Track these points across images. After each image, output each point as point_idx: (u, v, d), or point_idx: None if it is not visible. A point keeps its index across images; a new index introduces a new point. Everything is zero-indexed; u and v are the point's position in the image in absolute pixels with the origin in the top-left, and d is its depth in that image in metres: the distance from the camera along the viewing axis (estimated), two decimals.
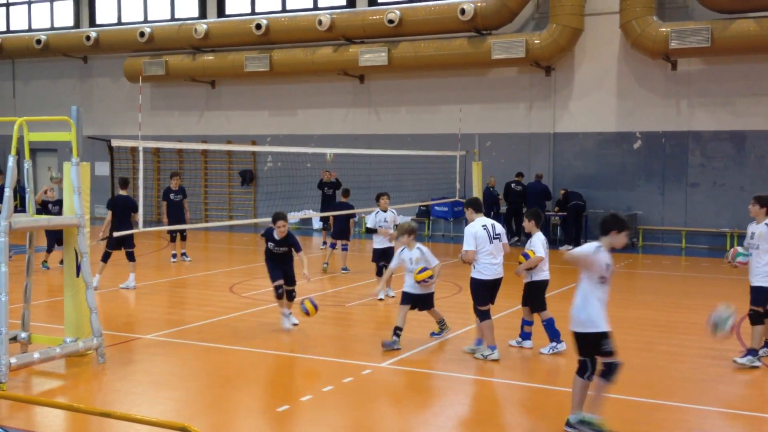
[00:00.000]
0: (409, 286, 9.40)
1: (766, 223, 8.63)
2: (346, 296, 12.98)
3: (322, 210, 18.79)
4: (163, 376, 8.42)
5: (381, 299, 12.54)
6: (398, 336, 9.26)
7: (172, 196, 16.64)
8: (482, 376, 8.33)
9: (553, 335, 9.18)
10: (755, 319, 8.65)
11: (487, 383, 8.20)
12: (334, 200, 18.70)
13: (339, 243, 15.82)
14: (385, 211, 13.00)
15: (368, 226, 13.20)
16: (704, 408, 7.48)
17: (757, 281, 8.63)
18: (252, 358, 9.02)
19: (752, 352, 8.61)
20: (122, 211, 13.36)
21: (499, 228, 9.06)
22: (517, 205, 20.30)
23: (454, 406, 7.57)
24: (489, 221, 9.06)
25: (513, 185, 20.54)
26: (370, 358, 8.94)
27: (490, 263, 8.85)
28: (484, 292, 8.93)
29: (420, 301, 9.49)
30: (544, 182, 20.49)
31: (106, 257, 13.57)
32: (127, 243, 13.63)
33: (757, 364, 8.53)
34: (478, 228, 8.88)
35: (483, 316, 8.89)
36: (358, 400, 7.59)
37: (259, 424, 6.94)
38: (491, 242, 8.86)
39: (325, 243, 20.15)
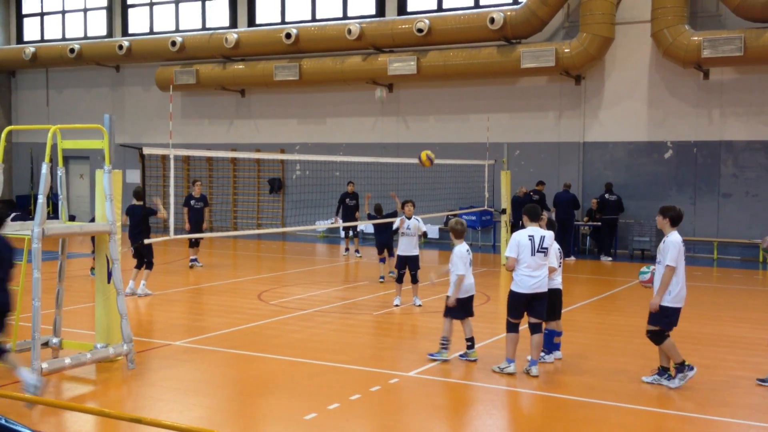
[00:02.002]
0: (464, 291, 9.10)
1: (668, 237, 8.08)
2: (373, 305, 12.98)
3: (345, 220, 18.94)
4: (193, 383, 8.46)
5: (396, 305, 12.64)
6: (446, 348, 9.11)
7: (193, 202, 16.77)
8: (511, 387, 8.27)
9: (546, 345, 9.07)
10: (656, 338, 8.13)
11: (516, 393, 8.13)
12: (356, 211, 18.99)
13: (387, 255, 15.47)
14: (409, 218, 13.00)
15: (395, 226, 13.26)
16: (736, 422, 7.37)
17: (658, 300, 8.05)
18: (280, 365, 9.04)
19: (661, 371, 8.15)
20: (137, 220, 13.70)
21: (549, 242, 8.58)
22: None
23: (482, 417, 7.53)
24: (539, 232, 8.56)
25: (531, 194, 20.37)
26: (398, 367, 8.92)
27: (528, 276, 8.43)
28: (519, 306, 8.54)
29: (470, 304, 9.23)
30: (573, 191, 20.34)
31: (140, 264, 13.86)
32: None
33: (690, 374, 8.07)
34: (524, 237, 8.50)
35: (510, 328, 8.61)
36: (385, 409, 7.57)
37: None
38: (533, 254, 8.42)
39: (347, 250, 20.21)
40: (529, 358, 8.74)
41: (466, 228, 9.44)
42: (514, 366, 8.56)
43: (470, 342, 9.22)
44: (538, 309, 8.59)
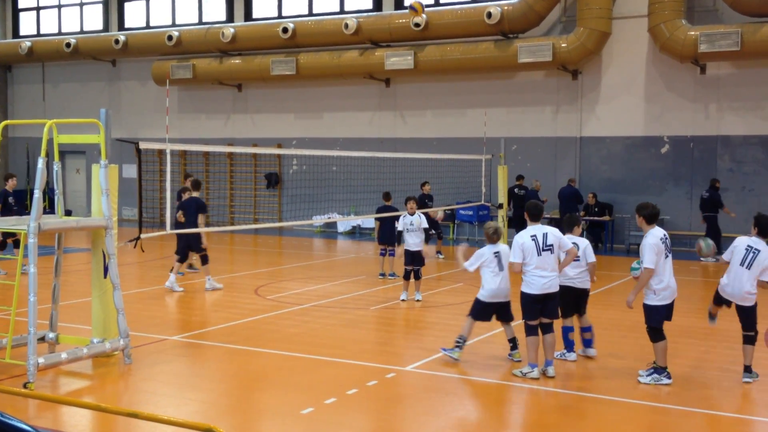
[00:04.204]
0: (487, 294, 8.84)
1: (646, 237, 8.05)
2: (370, 300, 12.98)
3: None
4: (189, 378, 8.47)
5: (403, 299, 12.62)
6: (460, 347, 8.88)
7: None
8: (508, 381, 8.28)
9: (565, 344, 9.02)
10: (652, 335, 8.12)
11: (512, 388, 8.14)
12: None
13: (387, 248, 15.09)
14: (412, 214, 13.00)
15: (399, 229, 13.25)
16: (732, 416, 7.38)
17: (646, 299, 8.11)
18: (277, 360, 9.04)
19: (659, 370, 8.11)
20: (191, 212, 13.84)
21: (553, 238, 8.29)
22: (521, 210, 19.98)
23: (478, 411, 7.54)
24: (542, 230, 8.31)
25: (516, 190, 20.40)
26: (395, 362, 8.93)
27: (539, 276, 8.19)
28: (532, 306, 8.27)
29: (502, 310, 8.93)
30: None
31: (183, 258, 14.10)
32: (195, 246, 14.00)
33: (665, 381, 8.03)
34: (526, 238, 8.21)
35: (528, 331, 8.37)
36: (382, 403, 7.58)
37: (284, 426, 6.95)
38: (540, 254, 8.17)
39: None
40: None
41: (500, 234, 9.00)
42: (538, 371, 8.28)
43: (512, 343, 8.98)
44: (550, 309, 8.40)
